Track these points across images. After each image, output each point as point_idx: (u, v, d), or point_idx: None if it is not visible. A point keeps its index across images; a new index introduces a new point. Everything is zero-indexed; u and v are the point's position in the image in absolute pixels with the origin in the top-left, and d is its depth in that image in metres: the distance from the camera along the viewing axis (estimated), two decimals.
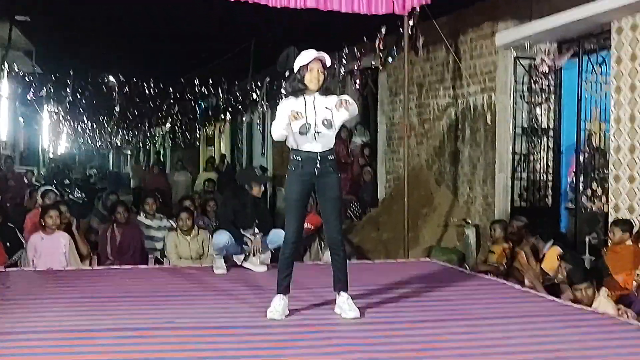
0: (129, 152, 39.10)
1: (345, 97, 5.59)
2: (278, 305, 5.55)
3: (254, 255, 7.68)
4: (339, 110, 5.50)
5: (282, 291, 5.61)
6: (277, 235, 7.67)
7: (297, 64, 5.58)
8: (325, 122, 5.55)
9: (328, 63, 5.64)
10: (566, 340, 4.99)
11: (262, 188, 7.82)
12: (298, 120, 5.46)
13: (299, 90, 5.58)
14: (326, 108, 5.58)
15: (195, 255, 8.96)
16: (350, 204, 13.70)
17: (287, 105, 5.58)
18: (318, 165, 5.55)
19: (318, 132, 5.53)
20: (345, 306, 5.59)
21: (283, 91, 5.74)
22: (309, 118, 5.51)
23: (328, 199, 5.64)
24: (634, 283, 7.42)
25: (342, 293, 5.65)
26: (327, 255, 8.89)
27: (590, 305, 6.31)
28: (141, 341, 4.85)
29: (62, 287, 6.79)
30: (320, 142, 5.56)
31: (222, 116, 20.71)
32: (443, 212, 11.80)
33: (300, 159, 5.58)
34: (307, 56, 5.55)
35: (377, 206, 13.67)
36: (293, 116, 5.43)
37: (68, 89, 18.62)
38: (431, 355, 4.59)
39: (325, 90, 5.65)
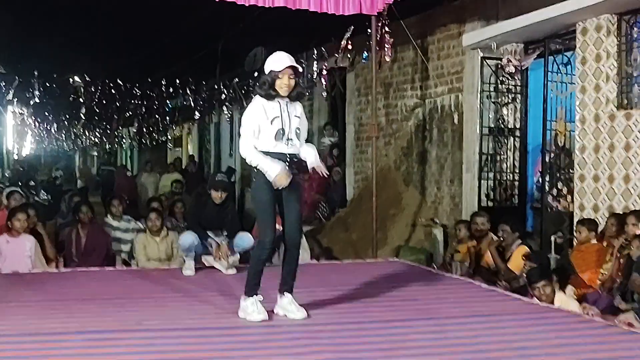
0: (95, 154, 38.82)
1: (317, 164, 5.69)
2: (260, 306, 5.55)
3: (219, 259, 7.66)
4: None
5: (256, 293, 5.62)
6: (242, 239, 7.69)
7: (268, 67, 5.56)
8: (297, 131, 5.60)
9: (300, 69, 5.65)
10: (531, 338, 5.06)
11: (221, 194, 7.72)
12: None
13: (268, 95, 5.56)
14: (296, 116, 5.62)
15: (164, 256, 8.94)
16: (319, 205, 13.74)
17: (259, 109, 5.54)
18: (287, 168, 5.55)
19: (290, 139, 5.56)
20: (292, 307, 5.61)
21: (252, 93, 5.65)
22: (283, 124, 5.53)
23: (292, 200, 5.66)
24: (599, 281, 7.55)
25: (286, 294, 5.67)
26: None
27: (550, 303, 6.41)
28: (109, 343, 4.84)
29: (28, 290, 6.73)
30: (292, 147, 5.60)
31: (190, 117, 20.65)
32: (411, 212, 11.88)
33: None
34: (279, 62, 5.52)
35: (345, 206, 13.72)
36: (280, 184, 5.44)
37: (33, 90, 18.43)
38: (399, 354, 4.63)
39: (296, 96, 5.65)
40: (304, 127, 5.70)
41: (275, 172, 5.43)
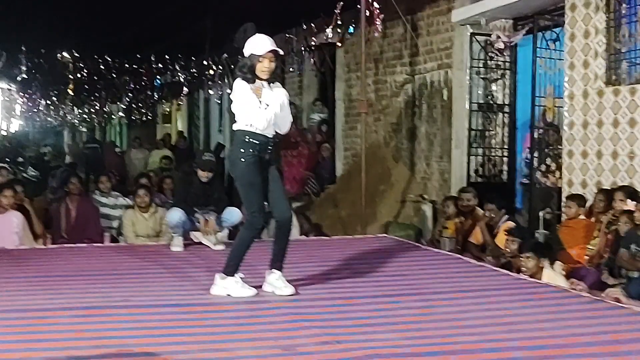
0: (84, 130, 38.63)
1: None
2: (242, 283, 5.54)
3: (207, 235, 7.64)
4: None
5: (236, 272, 5.59)
6: (230, 214, 7.68)
7: (249, 50, 5.48)
8: (277, 113, 5.55)
9: (281, 52, 5.61)
10: (520, 313, 5.08)
11: (208, 174, 7.67)
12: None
13: (248, 79, 5.50)
14: (277, 97, 5.56)
15: (153, 233, 8.92)
16: (308, 181, 13.73)
17: (246, 86, 5.50)
18: (269, 149, 5.57)
19: (273, 123, 5.53)
20: (279, 283, 5.58)
21: (237, 71, 5.60)
22: (263, 105, 5.48)
23: (276, 180, 5.65)
24: (586, 257, 7.57)
25: (275, 271, 5.64)
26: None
27: (532, 276, 6.44)
28: (96, 320, 4.82)
29: (15, 266, 6.70)
30: (272, 130, 5.58)
31: (179, 93, 20.55)
32: (400, 188, 11.89)
33: (257, 142, 5.51)
34: (261, 46, 5.45)
35: (335, 183, 13.72)
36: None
37: (20, 65, 18.28)
38: (387, 329, 4.63)
39: (274, 77, 5.61)
40: (285, 106, 5.64)
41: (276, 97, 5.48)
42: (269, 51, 5.45)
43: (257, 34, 5.60)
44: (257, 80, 5.50)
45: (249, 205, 5.62)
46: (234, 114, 5.64)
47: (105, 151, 21.96)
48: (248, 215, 5.69)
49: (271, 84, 5.58)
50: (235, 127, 5.63)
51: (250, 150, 5.50)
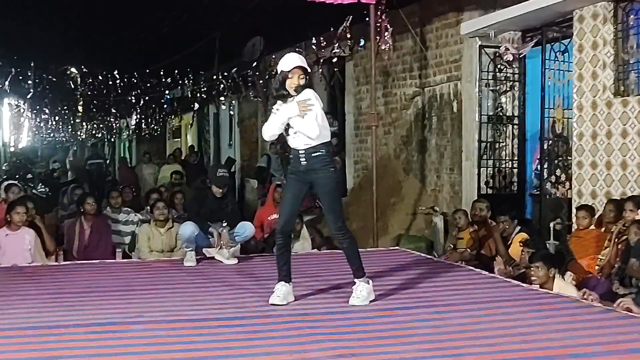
0: (91, 145, 38.70)
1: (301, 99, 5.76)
2: (279, 291, 5.73)
3: (220, 248, 7.72)
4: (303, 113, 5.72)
5: (283, 278, 5.78)
6: (243, 228, 7.77)
7: (279, 67, 5.77)
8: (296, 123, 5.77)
9: (308, 69, 5.84)
10: (531, 324, 5.13)
11: (223, 190, 7.80)
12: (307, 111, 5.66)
13: (281, 95, 5.75)
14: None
15: (167, 248, 8.90)
16: None
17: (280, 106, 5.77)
18: (303, 162, 5.75)
19: (296, 132, 5.74)
20: (354, 293, 5.81)
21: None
22: (291, 120, 5.74)
23: (320, 194, 5.91)
24: (597, 267, 7.62)
25: (356, 281, 5.85)
26: (296, 246, 9.01)
27: (542, 286, 6.50)
28: (109, 336, 4.88)
29: (28, 283, 6.77)
30: (301, 141, 5.75)
31: (189, 107, 20.64)
32: (411, 200, 11.95)
33: (291, 156, 5.86)
34: (289, 62, 5.71)
35: (345, 196, 13.77)
36: (304, 106, 5.60)
37: (29, 81, 18.38)
38: (400, 342, 4.69)
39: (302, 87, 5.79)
40: (317, 111, 5.76)
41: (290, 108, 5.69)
42: (296, 66, 5.68)
43: (289, 53, 5.94)
44: (287, 97, 5.75)
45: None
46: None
47: (119, 167, 22.02)
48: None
49: (295, 100, 5.77)
50: None
51: (290, 163, 5.89)
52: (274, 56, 13.81)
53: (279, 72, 5.77)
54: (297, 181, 5.83)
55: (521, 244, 7.81)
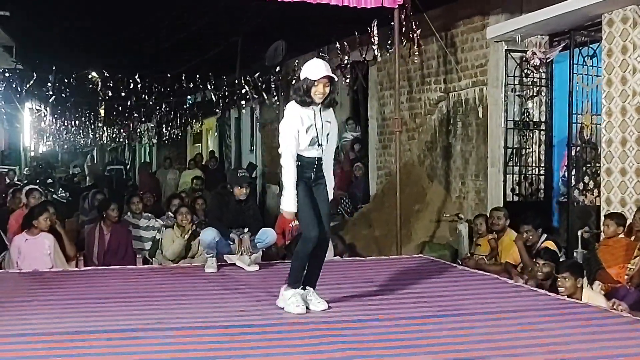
0: (111, 150, 38.95)
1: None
2: (298, 298, 5.73)
3: (241, 254, 7.74)
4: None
5: (299, 286, 5.80)
6: (265, 234, 7.78)
7: (304, 74, 5.73)
8: (328, 136, 5.85)
9: (335, 79, 5.84)
10: (560, 334, 5.09)
11: (245, 190, 7.80)
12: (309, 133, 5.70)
13: (303, 102, 5.73)
14: (327, 122, 5.83)
15: (190, 254, 8.96)
16: (341, 200, 13.79)
17: (296, 118, 5.72)
18: (315, 169, 5.81)
19: (321, 145, 5.79)
20: (313, 298, 5.80)
21: (292, 94, 5.84)
22: (317, 131, 5.74)
23: (322, 201, 5.87)
24: (626, 276, 7.56)
25: (308, 288, 5.85)
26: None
27: (570, 296, 6.45)
28: (130, 342, 4.90)
29: (48, 289, 6.81)
30: (322, 151, 5.83)
31: (210, 112, 20.72)
32: (435, 207, 11.92)
33: (300, 163, 5.77)
34: (316, 71, 5.68)
35: (368, 202, 13.77)
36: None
37: (50, 86, 18.52)
38: (424, 351, 4.68)
39: (328, 103, 5.83)
40: (334, 131, 5.96)
41: (287, 208, 5.71)
42: (324, 76, 5.66)
43: (315, 59, 5.88)
44: (310, 104, 5.73)
45: (302, 220, 5.87)
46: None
47: (140, 172, 22.15)
48: (303, 228, 5.91)
49: (322, 111, 5.79)
50: None
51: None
52: (297, 61, 13.85)
53: (302, 78, 5.75)
54: (307, 186, 5.83)
55: (539, 256, 7.73)
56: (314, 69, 5.71)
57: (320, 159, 5.85)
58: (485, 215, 9.63)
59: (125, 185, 20.78)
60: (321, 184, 5.91)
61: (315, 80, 5.66)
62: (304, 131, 5.70)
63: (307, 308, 5.75)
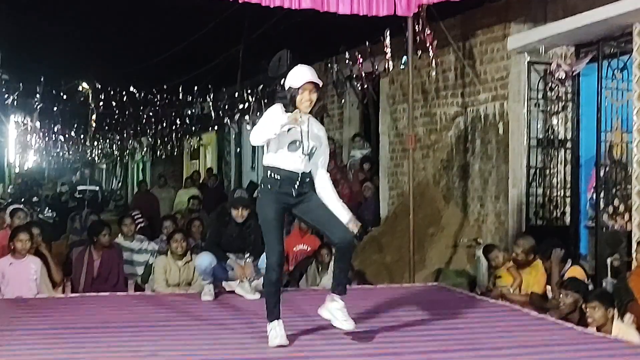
0: (104, 167, 39.12)
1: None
2: (280, 330, 5.67)
3: (242, 281, 7.71)
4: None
5: (277, 317, 5.72)
6: None
7: (287, 83, 5.69)
8: (313, 150, 5.75)
9: (320, 84, 5.76)
10: None
11: (244, 212, 7.77)
12: (296, 126, 5.57)
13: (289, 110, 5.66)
14: (316, 134, 5.77)
15: (185, 281, 8.90)
16: None
17: (281, 111, 5.62)
18: (296, 186, 5.71)
19: (306, 155, 5.71)
20: (340, 315, 5.71)
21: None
22: (302, 136, 5.67)
23: (318, 208, 5.79)
24: None
25: (337, 299, 5.76)
26: (324, 280, 9.01)
27: (600, 328, 6.41)
28: None
29: (34, 316, 6.80)
30: (305, 164, 5.73)
31: (208, 127, 20.74)
32: (452, 231, 11.89)
33: (279, 178, 5.70)
34: (298, 78, 5.65)
35: (379, 225, 13.75)
36: (295, 119, 5.48)
37: (37, 97, 18.57)
38: None
39: (319, 110, 5.78)
40: (322, 150, 5.85)
41: (282, 119, 5.51)
42: (307, 82, 5.62)
43: (298, 65, 5.79)
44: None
45: (265, 243, 5.82)
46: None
47: (137, 191, 22.11)
48: (265, 253, 5.90)
49: (313, 119, 5.76)
50: None
51: (270, 185, 5.74)
52: None
53: (286, 88, 5.69)
54: (279, 206, 5.73)
55: (561, 286, 7.68)
56: (297, 76, 5.68)
57: (304, 174, 5.73)
58: (495, 245, 9.56)
59: (102, 210, 20.21)
60: (309, 196, 5.75)
61: (298, 88, 5.62)
62: (286, 128, 5.58)
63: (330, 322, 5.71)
